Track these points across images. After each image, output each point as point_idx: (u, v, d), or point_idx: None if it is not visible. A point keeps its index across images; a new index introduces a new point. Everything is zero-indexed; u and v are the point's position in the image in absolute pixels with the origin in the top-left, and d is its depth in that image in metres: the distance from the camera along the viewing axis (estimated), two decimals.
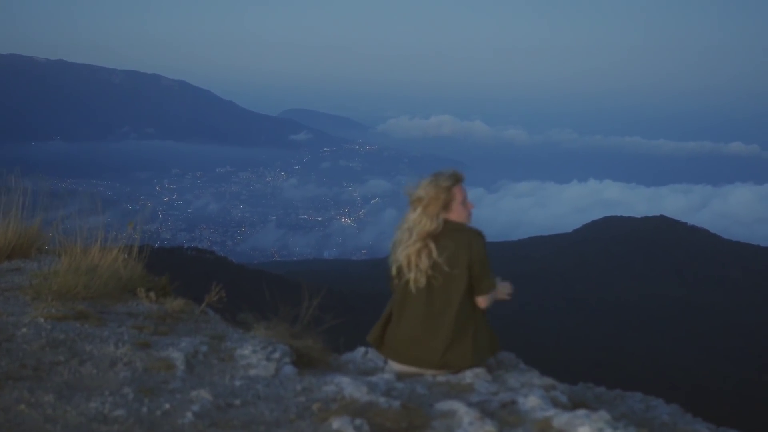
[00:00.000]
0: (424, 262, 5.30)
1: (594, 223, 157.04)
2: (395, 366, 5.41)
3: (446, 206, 5.34)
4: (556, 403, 4.44)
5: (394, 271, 5.48)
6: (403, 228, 5.41)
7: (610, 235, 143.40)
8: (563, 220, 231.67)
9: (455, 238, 5.31)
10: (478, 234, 5.39)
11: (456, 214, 5.37)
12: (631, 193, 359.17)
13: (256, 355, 5.12)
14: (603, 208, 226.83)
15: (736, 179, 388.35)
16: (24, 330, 5.44)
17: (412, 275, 5.33)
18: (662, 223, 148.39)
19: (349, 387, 4.52)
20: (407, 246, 5.35)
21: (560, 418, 4.00)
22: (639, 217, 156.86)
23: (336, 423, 3.90)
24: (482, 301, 5.45)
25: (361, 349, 6.00)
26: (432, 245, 5.29)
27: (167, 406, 4.14)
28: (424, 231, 5.30)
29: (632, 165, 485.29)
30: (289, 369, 4.98)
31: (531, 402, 4.35)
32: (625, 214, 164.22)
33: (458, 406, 4.20)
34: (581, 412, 4.01)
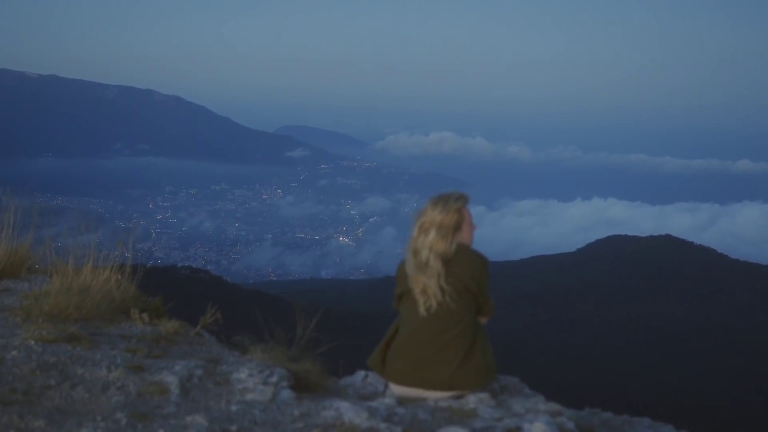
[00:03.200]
0: (433, 286, 5.30)
1: (598, 242, 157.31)
2: (397, 390, 5.39)
3: (458, 228, 5.37)
4: (562, 430, 4.42)
5: (399, 293, 5.50)
6: (417, 251, 5.40)
7: (614, 254, 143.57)
8: (566, 239, 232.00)
9: (462, 261, 5.33)
10: (484, 259, 5.43)
11: (464, 236, 5.41)
12: (636, 212, 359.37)
13: (252, 379, 5.10)
14: (607, 227, 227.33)
15: (744, 197, 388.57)
16: (14, 353, 5.41)
17: (420, 299, 5.33)
18: (668, 243, 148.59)
19: (348, 412, 4.49)
20: (417, 269, 5.35)
21: None
22: (644, 236, 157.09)
23: None
24: (483, 321, 5.53)
25: (361, 373, 5.96)
26: (442, 269, 5.30)
27: None
28: (440, 254, 5.31)
29: (637, 183, 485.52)
30: (286, 393, 4.96)
31: (537, 429, 4.32)
32: (630, 233, 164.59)
33: None
34: None
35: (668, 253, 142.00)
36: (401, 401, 5.15)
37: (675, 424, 5.11)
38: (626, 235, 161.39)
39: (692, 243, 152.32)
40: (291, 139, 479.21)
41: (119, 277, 7.41)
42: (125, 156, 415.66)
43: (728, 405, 78.63)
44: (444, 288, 5.27)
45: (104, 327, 6.63)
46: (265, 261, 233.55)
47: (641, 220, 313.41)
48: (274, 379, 5.11)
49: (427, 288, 5.32)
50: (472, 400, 5.12)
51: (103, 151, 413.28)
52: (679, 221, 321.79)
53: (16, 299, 7.13)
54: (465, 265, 5.33)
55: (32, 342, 5.67)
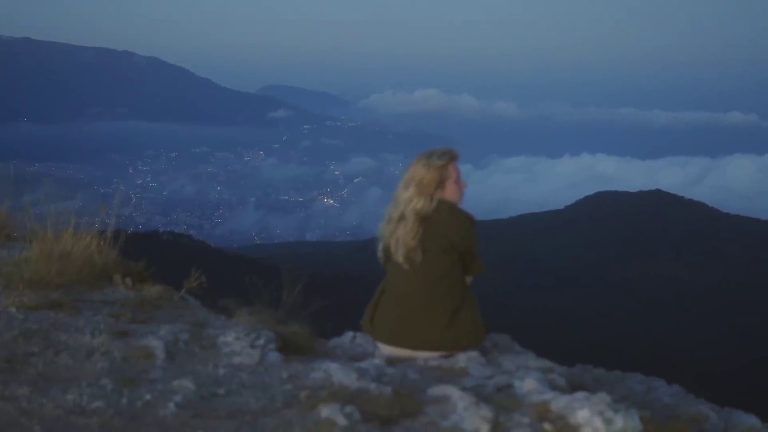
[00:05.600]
0: (413, 242, 5.29)
1: (587, 199, 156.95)
2: (386, 350, 5.41)
3: (441, 185, 5.34)
4: (553, 386, 4.45)
5: (382, 251, 5.49)
6: (396, 205, 5.40)
7: (604, 211, 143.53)
8: (555, 196, 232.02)
9: (447, 220, 5.31)
10: (470, 219, 5.41)
11: (449, 193, 5.38)
12: (626, 167, 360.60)
13: (239, 342, 5.11)
14: (596, 183, 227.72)
15: (735, 150, 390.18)
16: None
17: (401, 255, 5.33)
18: (658, 198, 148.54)
19: (337, 373, 4.51)
20: (397, 226, 5.34)
21: (558, 402, 4.00)
22: (634, 191, 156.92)
23: (325, 411, 3.90)
24: (469, 280, 5.54)
25: (349, 334, 5.99)
26: (422, 225, 5.29)
27: (148, 396, 4.13)
28: (416, 210, 5.29)
29: (626, 138, 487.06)
30: (274, 356, 4.97)
31: (528, 385, 4.35)
32: (620, 189, 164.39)
33: (452, 391, 4.20)
34: (580, 394, 4.02)
35: (659, 208, 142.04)
36: (391, 361, 5.17)
37: (667, 380, 5.16)
38: (616, 191, 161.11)
39: (683, 198, 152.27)
40: (273, 99, 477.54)
41: (100, 242, 7.40)
42: (103, 120, 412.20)
43: (719, 360, 79.27)
44: (427, 242, 5.28)
45: (87, 293, 6.62)
46: (248, 224, 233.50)
47: (631, 175, 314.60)
48: (261, 341, 5.12)
49: (398, 241, 5.32)
50: (462, 359, 5.15)
51: (81, 116, 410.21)
52: (670, 175, 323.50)
53: None
54: (450, 224, 5.32)
55: (14, 309, 5.66)
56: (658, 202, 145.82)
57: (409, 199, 5.33)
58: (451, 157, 5.44)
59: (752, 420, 4.41)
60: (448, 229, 5.30)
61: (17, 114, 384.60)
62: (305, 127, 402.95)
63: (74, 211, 7.53)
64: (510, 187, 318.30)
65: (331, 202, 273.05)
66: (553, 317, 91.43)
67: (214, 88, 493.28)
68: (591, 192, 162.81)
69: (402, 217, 5.35)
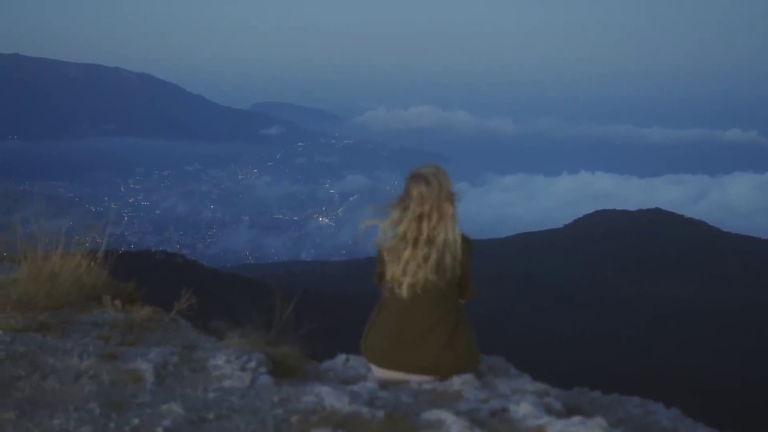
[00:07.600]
0: (416, 265, 5.23)
1: (586, 217, 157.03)
2: (379, 373, 5.37)
3: (439, 205, 5.25)
4: (549, 410, 4.44)
5: (381, 272, 5.40)
6: (396, 228, 5.30)
7: (602, 229, 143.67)
8: (553, 214, 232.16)
9: (448, 242, 5.25)
10: (469, 242, 5.35)
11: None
12: (625, 185, 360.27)
13: (230, 365, 5.10)
14: (595, 202, 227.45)
15: (735, 168, 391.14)
16: None
17: (405, 279, 5.24)
18: (657, 216, 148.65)
19: (329, 397, 4.50)
20: (400, 248, 5.25)
21: (554, 426, 4.00)
22: (633, 210, 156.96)
23: None
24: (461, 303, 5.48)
25: (342, 356, 5.96)
26: (424, 248, 5.21)
27: (136, 421, 4.12)
28: (441, 242, 5.20)
29: (625, 155, 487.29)
30: (265, 379, 4.96)
31: (523, 409, 4.34)
32: (619, 207, 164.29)
33: (446, 416, 4.19)
34: (576, 419, 4.02)
35: (658, 227, 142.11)
36: (384, 385, 5.14)
37: (666, 403, 5.14)
38: (615, 210, 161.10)
39: (683, 216, 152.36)
40: (266, 116, 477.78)
41: (90, 263, 7.38)
42: (93, 137, 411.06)
43: (720, 380, 79.10)
44: (429, 265, 5.22)
45: (75, 315, 6.61)
46: (242, 243, 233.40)
47: (630, 193, 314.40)
48: (252, 364, 5.11)
49: (405, 266, 5.23)
50: (456, 382, 5.13)
51: (70, 132, 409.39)
52: (669, 194, 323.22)
53: None
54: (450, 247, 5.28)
55: (0, 332, 5.65)
56: (658, 220, 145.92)
57: (439, 231, 5.18)
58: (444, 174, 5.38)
59: None
60: (449, 252, 5.25)
61: (6, 131, 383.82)
62: (299, 144, 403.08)
63: (64, 231, 7.52)
64: (507, 205, 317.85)
65: (326, 220, 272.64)
66: (551, 337, 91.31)
67: (206, 105, 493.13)
68: (589, 210, 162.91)
69: (404, 241, 5.26)
